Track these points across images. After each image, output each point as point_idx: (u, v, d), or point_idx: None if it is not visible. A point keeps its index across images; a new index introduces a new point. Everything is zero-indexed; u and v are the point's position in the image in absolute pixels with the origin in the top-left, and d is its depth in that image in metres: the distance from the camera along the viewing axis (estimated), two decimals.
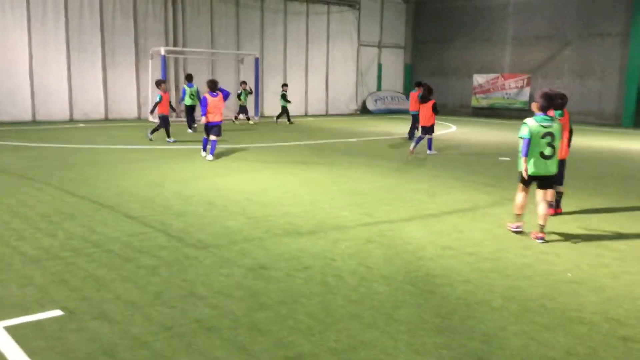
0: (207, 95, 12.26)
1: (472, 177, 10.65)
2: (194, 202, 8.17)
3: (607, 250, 6.11)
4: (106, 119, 22.88)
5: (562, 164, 7.47)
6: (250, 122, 22.61)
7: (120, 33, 23.04)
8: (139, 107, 23.88)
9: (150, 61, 22.86)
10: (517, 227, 6.78)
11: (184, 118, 19.37)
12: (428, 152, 13.88)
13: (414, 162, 12.57)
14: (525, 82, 28.04)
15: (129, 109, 23.71)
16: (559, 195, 7.68)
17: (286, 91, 23.00)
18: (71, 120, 21.96)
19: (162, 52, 21.81)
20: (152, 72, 22.68)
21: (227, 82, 26.14)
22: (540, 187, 6.58)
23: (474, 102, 30.43)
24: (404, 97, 33.47)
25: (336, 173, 10.88)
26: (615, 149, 16.12)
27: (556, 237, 6.60)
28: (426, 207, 8.13)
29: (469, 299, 4.71)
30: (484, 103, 30.00)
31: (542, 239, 6.41)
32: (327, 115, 29.03)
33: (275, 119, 23.64)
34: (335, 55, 30.10)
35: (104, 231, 6.52)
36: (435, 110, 13.62)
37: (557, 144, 6.46)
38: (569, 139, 7.70)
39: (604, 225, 7.19)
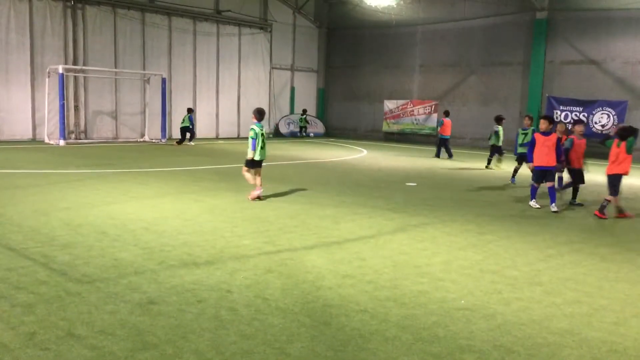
0: (537, 134, 10.77)
1: (378, 203, 10.75)
2: (84, 232, 7.64)
3: (501, 277, 6.25)
4: None
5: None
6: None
7: (14, 50, 21.72)
8: (34, 128, 22.56)
9: (47, 79, 21.69)
10: (257, 195, 10.42)
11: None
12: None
13: (320, 187, 12.55)
14: (432, 108, 29.09)
15: (22, 130, 22.34)
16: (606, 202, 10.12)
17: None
18: None
19: (61, 71, 20.75)
20: (50, 91, 21.55)
21: (133, 102, 25.30)
22: (259, 166, 10.62)
23: (385, 127, 31.20)
24: (317, 120, 33.75)
25: (242, 199, 10.63)
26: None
27: (454, 264, 6.71)
28: (330, 234, 8.06)
29: (364, 330, 4.63)
30: (395, 128, 30.82)
31: (258, 197, 10.44)
32: (238, 138, 28.67)
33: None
34: (247, 77, 29.82)
35: None
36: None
37: (265, 141, 10.58)
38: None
39: (500, 251, 7.40)
